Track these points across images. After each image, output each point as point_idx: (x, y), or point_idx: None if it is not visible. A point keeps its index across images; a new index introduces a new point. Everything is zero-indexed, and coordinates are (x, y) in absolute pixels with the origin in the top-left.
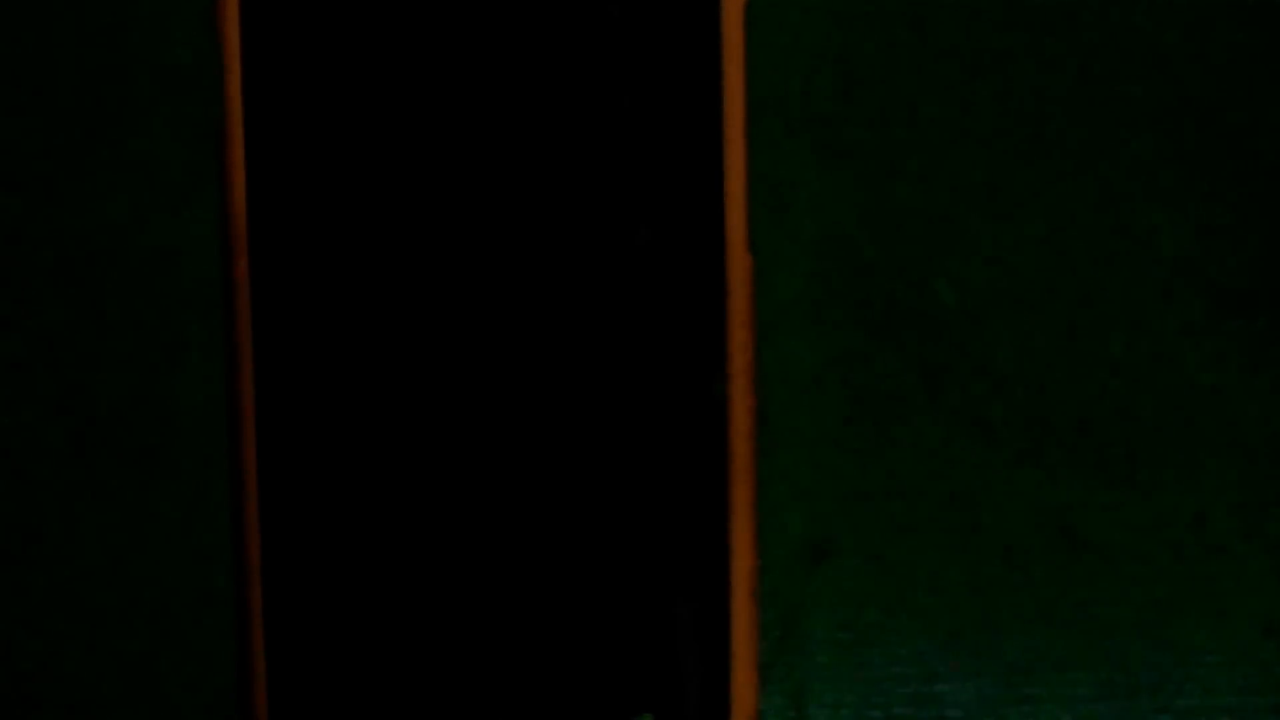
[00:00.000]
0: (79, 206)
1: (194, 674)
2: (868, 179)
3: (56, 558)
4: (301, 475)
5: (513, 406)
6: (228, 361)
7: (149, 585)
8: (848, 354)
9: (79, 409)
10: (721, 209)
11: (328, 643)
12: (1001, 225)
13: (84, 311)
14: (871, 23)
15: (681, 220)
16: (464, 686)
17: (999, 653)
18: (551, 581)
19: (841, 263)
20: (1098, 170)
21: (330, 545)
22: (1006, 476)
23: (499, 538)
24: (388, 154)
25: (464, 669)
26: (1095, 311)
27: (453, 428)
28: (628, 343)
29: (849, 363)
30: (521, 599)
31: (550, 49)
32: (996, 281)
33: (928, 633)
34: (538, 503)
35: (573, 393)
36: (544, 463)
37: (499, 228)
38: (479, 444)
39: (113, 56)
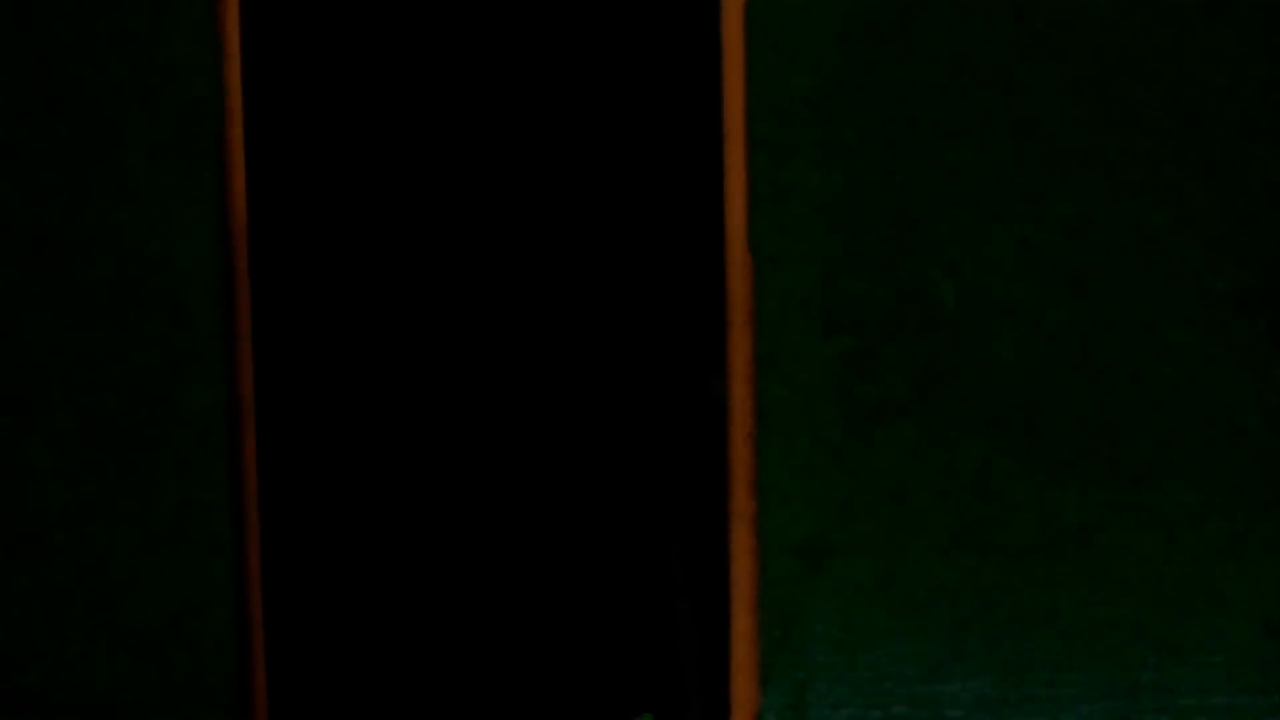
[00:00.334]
0: (79, 206)
1: (194, 669)
2: (867, 179)
3: (57, 556)
4: (301, 475)
5: (512, 407)
6: (228, 361)
7: (149, 582)
8: (847, 354)
9: (80, 408)
10: (721, 209)
11: (328, 641)
12: (1001, 226)
13: (84, 311)
14: (871, 23)
15: (681, 220)
16: (466, 685)
17: (999, 653)
18: (551, 581)
19: (841, 263)
20: (1099, 171)
21: (330, 544)
22: (1006, 477)
23: (499, 536)
24: (388, 153)
25: (466, 668)
26: (1096, 312)
27: (453, 428)
28: (627, 343)
29: (849, 363)
30: (521, 598)
31: (550, 49)
32: (996, 282)
33: (928, 633)
34: (537, 502)
35: (572, 393)
36: (543, 463)
37: (498, 228)
38: (479, 444)
39: (113, 57)
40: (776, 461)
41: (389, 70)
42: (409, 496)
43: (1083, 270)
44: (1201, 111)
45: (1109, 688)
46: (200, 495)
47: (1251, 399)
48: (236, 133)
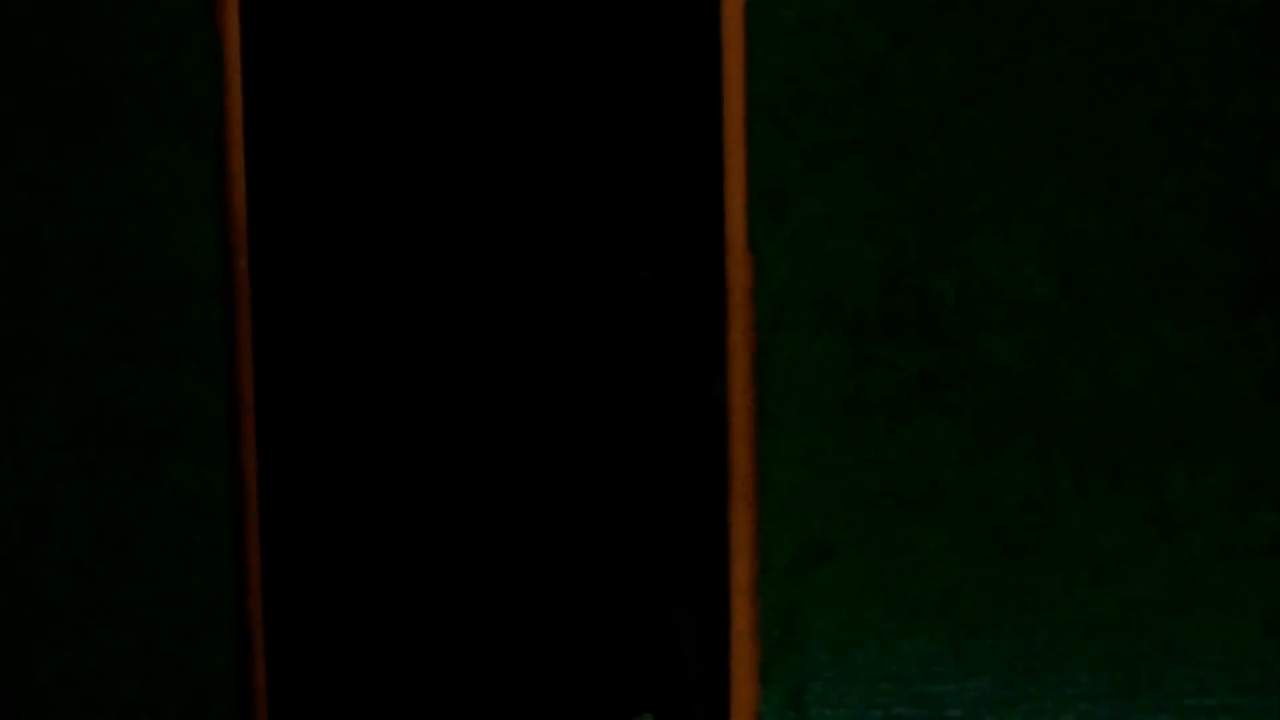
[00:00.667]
0: (79, 206)
1: (194, 669)
2: (868, 179)
3: (57, 555)
4: (301, 475)
5: (512, 408)
6: (228, 360)
7: (149, 582)
8: (848, 354)
9: (80, 408)
10: (721, 209)
11: (328, 641)
12: (1002, 225)
13: (85, 311)
14: (871, 23)
15: (681, 221)
16: (466, 686)
17: (999, 653)
18: (552, 582)
19: (841, 263)
20: (1100, 171)
21: (331, 544)
22: (1006, 477)
23: (499, 537)
24: (388, 151)
25: (466, 669)
26: (1096, 312)
27: (454, 429)
28: (627, 343)
29: (849, 363)
30: (522, 599)
31: (550, 49)
32: (997, 282)
33: (928, 633)
34: (537, 503)
35: (572, 394)
36: (543, 464)
37: (497, 229)
38: (479, 446)
39: (112, 58)
40: (776, 462)
41: (388, 68)
42: (409, 495)
43: (1085, 271)
44: (1208, 113)
45: (1109, 688)
46: (200, 494)
47: (1252, 399)
48: (236, 133)
